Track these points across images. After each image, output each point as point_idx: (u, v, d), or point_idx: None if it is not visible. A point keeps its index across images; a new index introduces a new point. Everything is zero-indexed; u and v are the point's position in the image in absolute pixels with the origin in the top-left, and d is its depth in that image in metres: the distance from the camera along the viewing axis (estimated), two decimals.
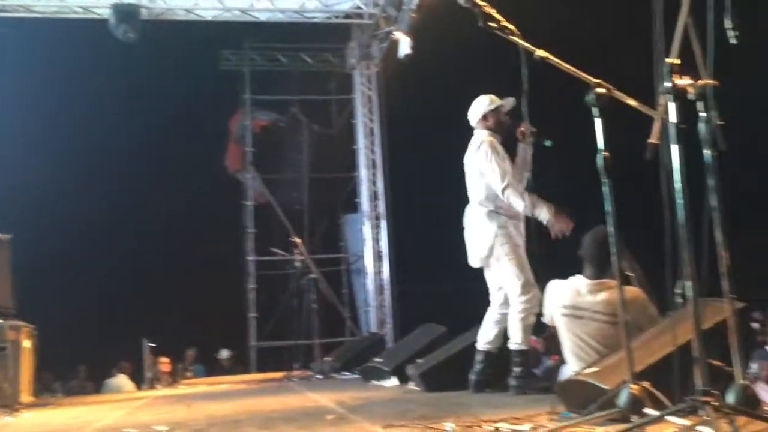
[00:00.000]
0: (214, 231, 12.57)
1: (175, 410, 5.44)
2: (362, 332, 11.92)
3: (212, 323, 12.05)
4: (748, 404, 2.34)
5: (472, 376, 4.87)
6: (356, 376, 7.45)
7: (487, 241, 4.72)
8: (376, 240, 11.94)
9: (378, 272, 11.85)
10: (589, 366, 3.47)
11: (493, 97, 4.93)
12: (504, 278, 4.74)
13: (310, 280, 8.97)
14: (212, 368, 11.84)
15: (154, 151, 12.29)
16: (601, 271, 4.06)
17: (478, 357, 4.89)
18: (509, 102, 4.87)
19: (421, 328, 7.05)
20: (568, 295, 4.14)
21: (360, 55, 12.16)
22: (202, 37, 11.49)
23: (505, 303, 4.79)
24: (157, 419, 4.66)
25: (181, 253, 12.09)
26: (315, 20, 11.37)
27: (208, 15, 10.78)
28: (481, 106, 4.92)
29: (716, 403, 2.26)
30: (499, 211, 4.72)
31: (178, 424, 4.24)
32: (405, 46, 9.71)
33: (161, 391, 8.81)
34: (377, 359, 6.90)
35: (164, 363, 10.76)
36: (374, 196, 12.05)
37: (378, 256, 11.90)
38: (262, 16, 11.10)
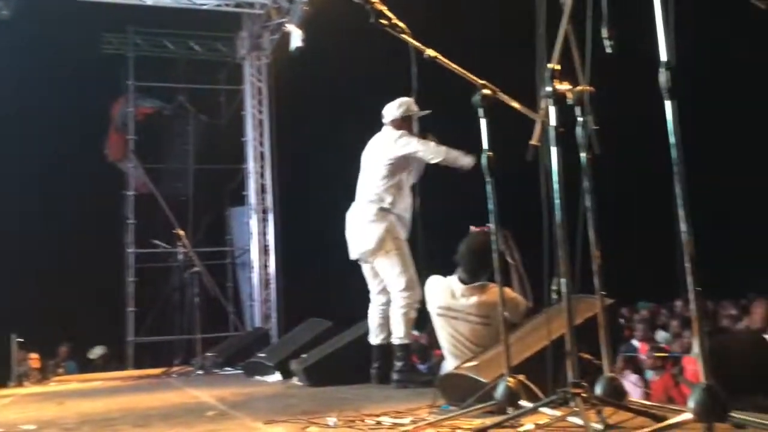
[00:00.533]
0: (92, 221, 12.03)
1: (44, 408, 5.18)
2: (246, 327, 11.77)
3: (88, 318, 11.55)
4: (615, 395, 2.46)
5: (372, 371, 4.92)
6: (239, 371, 7.34)
7: (376, 235, 4.76)
8: (263, 233, 11.80)
9: (264, 266, 11.72)
10: (468, 361, 3.56)
11: (412, 102, 4.94)
12: (389, 273, 4.79)
13: (193, 274, 8.75)
14: (85, 365, 11.36)
15: (29, 137, 11.63)
16: (474, 275, 4.26)
17: (374, 352, 4.94)
18: (424, 112, 4.96)
19: (307, 322, 7.03)
20: (443, 296, 4.29)
21: (250, 45, 11.98)
22: (84, 19, 10.97)
23: (386, 297, 4.87)
24: (25, 417, 4.43)
25: (57, 243, 11.52)
26: (204, 7, 11.09)
27: None
28: (403, 108, 4.93)
29: (585, 395, 2.37)
30: (391, 209, 4.78)
31: (47, 423, 4.04)
32: (296, 38, 9.61)
33: (30, 388, 8.36)
34: (261, 354, 6.83)
35: (34, 359, 10.21)
36: (262, 189, 11.91)
37: (264, 250, 11.77)
38: (148, 0, 10.72)
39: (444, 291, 4.31)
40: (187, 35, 12.89)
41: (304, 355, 5.70)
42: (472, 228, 4.43)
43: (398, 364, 4.70)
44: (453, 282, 4.32)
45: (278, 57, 11.67)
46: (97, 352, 11.41)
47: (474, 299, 4.21)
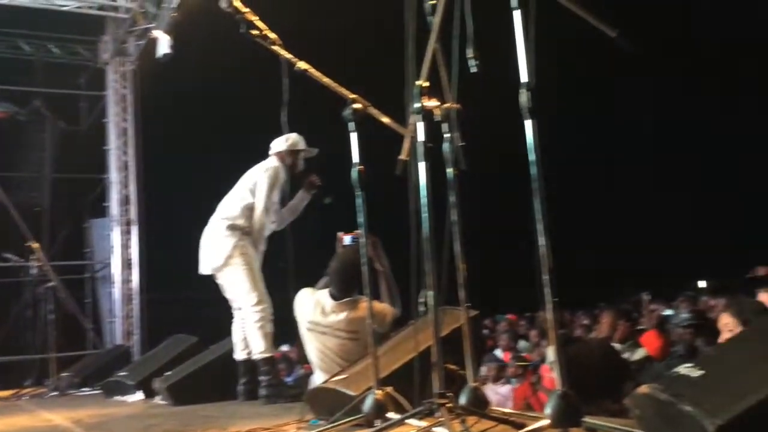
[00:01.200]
0: None
1: None
2: (106, 345, 11.23)
3: None
4: (478, 405, 2.53)
5: (239, 387, 4.84)
6: (98, 391, 6.98)
7: (224, 251, 4.77)
8: (125, 247, 11.31)
9: (126, 281, 11.23)
10: (336, 374, 3.56)
11: (301, 139, 4.99)
12: (238, 289, 4.78)
13: (47, 289, 8.25)
14: None
15: None
16: (344, 291, 4.28)
17: (240, 368, 4.87)
18: (312, 152, 5.03)
19: (171, 339, 6.82)
20: (312, 311, 4.29)
21: (114, 50, 11.50)
22: None
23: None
24: None
25: None
26: (65, 9, 10.55)
27: None
28: (289, 142, 4.96)
29: (450, 405, 2.42)
30: (244, 228, 4.80)
31: None
32: (164, 45, 9.33)
33: None
34: (121, 373, 6.53)
35: None
36: (125, 201, 11.42)
37: (127, 264, 11.28)
38: None
39: (314, 306, 4.31)
40: (46, 37, 12.22)
41: (167, 373, 5.52)
42: (340, 234, 4.45)
43: (264, 378, 4.65)
44: (323, 297, 4.32)
45: (144, 63, 11.29)
46: None
47: (343, 315, 4.23)
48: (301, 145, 5.00)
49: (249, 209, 4.82)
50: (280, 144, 4.98)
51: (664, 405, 1.89)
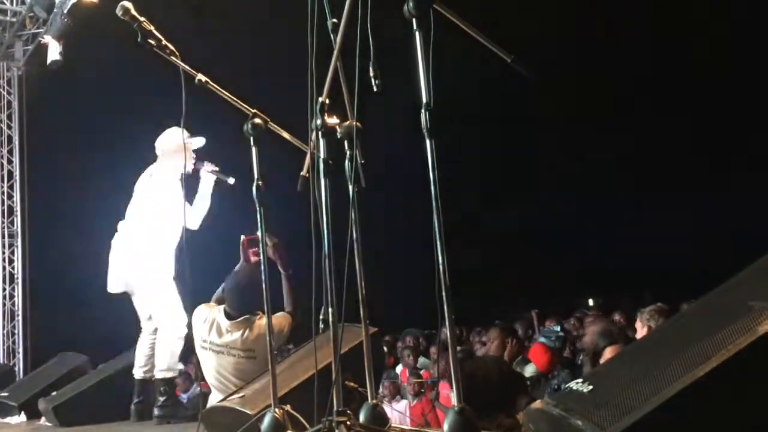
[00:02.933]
0: None
1: None
2: None
3: None
4: (377, 422, 2.54)
5: (133, 406, 4.72)
6: None
7: (143, 267, 4.69)
8: (8, 261, 10.75)
9: (9, 297, 10.67)
10: (234, 393, 3.50)
11: (185, 132, 4.69)
12: (157, 305, 4.71)
13: None
14: None
15: None
16: (240, 311, 4.19)
17: (137, 386, 4.78)
18: (199, 141, 4.88)
19: (59, 357, 6.53)
20: (207, 329, 4.20)
21: None
22: None
23: (154, 327, 4.77)
24: None
25: None
26: None
27: None
28: (174, 139, 4.78)
29: (349, 423, 2.42)
30: (160, 240, 4.69)
31: None
32: (54, 51, 9.02)
33: None
34: (3, 393, 6.20)
35: None
36: (9, 212, 10.87)
37: (10, 279, 10.72)
38: None
39: (209, 324, 4.22)
40: None
41: (54, 393, 5.28)
42: (243, 238, 4.37)
43: (161, 398, 4.53)
44: (219, 316, 4.24)
45: (32, 69, 10.82)
46: None
47: (238, 335, 4.15)
48: (187, 138, 4.78)
49: (162, 219, 4.67)
50: (167, 145, 4.86)
51: (556, 419, 1.96)
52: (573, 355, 6.86)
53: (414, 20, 2.26)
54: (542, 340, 6.67)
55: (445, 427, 2.02)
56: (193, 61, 3.14)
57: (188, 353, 4.96)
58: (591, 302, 12.26)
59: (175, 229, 4.65)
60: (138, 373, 4.79)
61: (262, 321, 4.08)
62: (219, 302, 4.37)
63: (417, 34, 2.31)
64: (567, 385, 2.11)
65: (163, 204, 4.66)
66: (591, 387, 2.00)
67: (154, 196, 4.74)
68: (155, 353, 4.69)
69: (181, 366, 5.01)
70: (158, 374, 4.62)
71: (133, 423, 4.61)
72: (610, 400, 1.85)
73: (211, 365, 4.19)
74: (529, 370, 5.75)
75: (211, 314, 4.26)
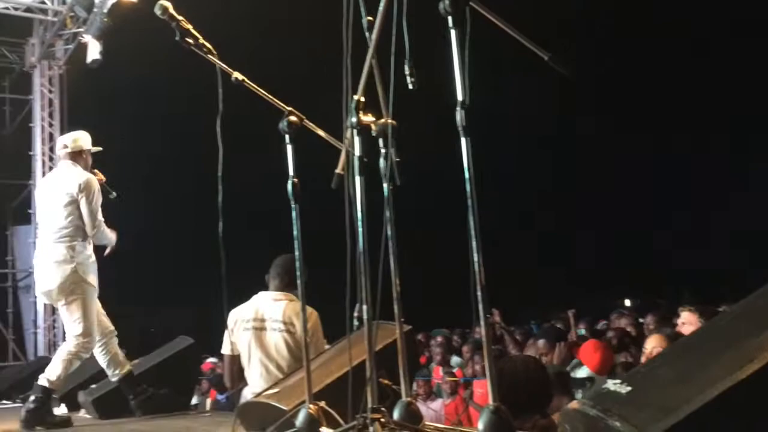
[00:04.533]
0: None
1: None
2: (28, 357, 10.86)
3: None
4: (411, 420, 2.54)
5: (24, 412, 4.66)
6: (19, 404, 6.73)
7: (60, 277, 4.69)
8: None
9: None
10: (269, 388, 3.52)
11: (87, 136, 5.07)
12: (68, 317, 4.75)
13: None
14: None
15: None
16: (284, 286, 4.30)
17: (36, 390, 4.67)
18: (96, 150, 5.14)
19: None
20: (251, 311, 4.25)
21: (41, 53, 11.19)
22: None
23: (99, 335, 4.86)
24: None
25: None
26: None
27: None
28: (85, 142, 5.01)
29: (383, 420, 2.42)
30: (83, 248, 4.77)
31: None
32: (94, 51, 9.16)
33: None
34: None
35: None
36: None
37: None
38: None
39: (251, 307, 4.30)
40: None
41: (93, 386, 5.38)
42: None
43: (32, 405, 4.57)
44: (259, 296, 4.32)
45: (73, 68, 11.01)
46: None
47: (281, 305, 4.23)
48: (87, 144, 5.03)
49: (81, 227, 4.75)
50: (76, 146, 4.98)
51: (593, 420, 1.93)
52: None
53: (450, 18, 2.25)
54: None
55: (480, 425, 2.01)
56: (229, 60, 3.17)
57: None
58: (628, 303, 12.14)
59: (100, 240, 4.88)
60: (42, 378, 4.72)
61: (298, 305, 4.12)
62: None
63: (453, 31, 2.30)
64: (604, 386, 2.09)
65: (90, 214, 4.81)
66: (629, 388, 1.97)
67: (63, 202, 4.79)
68: (54, 360, 4.74)
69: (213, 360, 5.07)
70: (43, 381, 4.63)
71: (170, 416, 4.66)
72: (650, 401, 1.83)
73: (256, 345, 4.21)
74: (582, 373, 5.57)
75: (249, 301, 4.32)
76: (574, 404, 2.13)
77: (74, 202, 4.73)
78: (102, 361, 4.98)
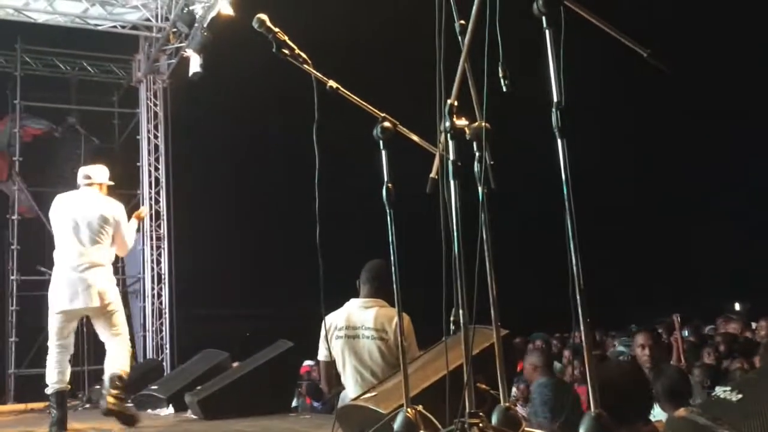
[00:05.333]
0: None
1: None
2: (138, 358, 11.34)
3: None
4: (510, 425, 2.51)
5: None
6: (129, 404, 7.04)
7: (111, 289, 5.34)
8: (156, 261, 11.44)
9: (157, 295, 11.35)
10: (367, 392, 3.55)
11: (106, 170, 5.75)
12: (116, 324, 5.31)
13: None
14: None
15: None
16: (374, 292, 4.29)
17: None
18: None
19: (202, 353, 6.88)
20: (342, 318, 4.28)
21: (147, 68, 11.71)
22: None
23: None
24: None
25: None
26: (99, 28, 10.77)
27: None
28: (107, 175, 5.71)
29: (482, 425, 2.40)
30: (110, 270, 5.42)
31: None
32: (195, 64, 9.52)
33: None
34: (153, 387, 6.60)
35: None
36: (156, 216, 11.57)
37: (158, 279, 11.41)
38: (40, 18, 10.31)
39: (343, 314, 4.33)
40: (80, 55, 12.50)
41: (198, 387, 5.56)
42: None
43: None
44: (350, 303, 4.34)
45: (176, 81, 11.47)
46: None
47: (372, 312, 4.22)
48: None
49: (111, 249, 5.42)
50: (103, 176, 5.66)
51: (701, 429, 1.86)
52: (717, 361, 6.50)
53: (543, 18, 2.22)
54: (621, 349, 6.43)
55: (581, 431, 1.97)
56: (324, 69, 3.23)
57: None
58: (738, 307, 11.59)
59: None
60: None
61: (389, 310, 4.15)
62: None
63: (547, 32, 2.27)
64: (714, 393, 2.00)
65: (129, 239, 5.68)
66: (740, 396, 1.89)
67: (124, 227, 5.58)
68: (114, 355, 5.27)
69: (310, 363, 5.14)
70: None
71: (271, 418, 4.77)
72: (761, 410, 1.74)
73: (348, 353, 4.23)
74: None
75: (342, 309, 4.36)
76: (681, 412, 2.05)
77: (107, 227, 5.43)
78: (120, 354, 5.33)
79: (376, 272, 4.28)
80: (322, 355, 4.38)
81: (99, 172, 5.62)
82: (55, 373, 5.17)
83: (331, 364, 4.36)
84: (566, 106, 2.22)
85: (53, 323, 5.25)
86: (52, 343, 5.24)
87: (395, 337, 4.08)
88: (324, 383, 4.53)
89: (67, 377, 5.26)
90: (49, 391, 5.18)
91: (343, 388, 4.33)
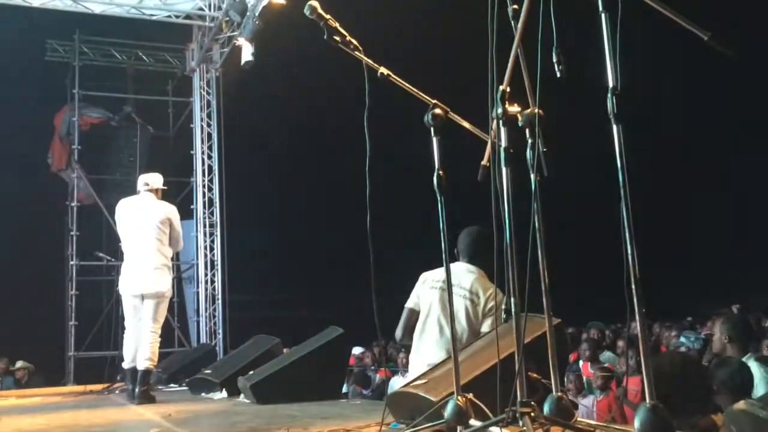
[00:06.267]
0: (34, 232, 11.73)
1: None
2: (192, 343, 11.57)
3: (27, 331, 11.21)
4: (562, 415, 2.49)
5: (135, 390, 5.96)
6: (184, 388, 7.20)
7: (165, 282, 6.17)
8: (209, 248, 11.64)
9: (210, 281, 11.55)
10: (417, 379, 3.56)
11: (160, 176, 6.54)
12: (158, 313, 6.13)
13: None
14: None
15: None
16: (473, 259, 4.39)
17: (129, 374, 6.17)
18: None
19: (254, 339, 6.96)
20: (440, 274, 4.33)
21: (200, 57, 11.87)
22: (29, 25, 10.74)
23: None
24: None
25: None
26: (154, 18, 10.96)
27: (35, 1, 10.07)
28: (161, 181, 6.47)
29: (534, 414, 2.39)
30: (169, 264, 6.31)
31: None
32: (247, 53, 9.60)
33: None
34: (206, 371, 6.72)
35: None
36: (209, 203, 11.76)
37: (211, 265, 11.61)
38: (97, 9, 10.54)
39: (443, 271, 4.37)
40: (136, 45, 12.75)
41: (251, 372, 5.64)
42: None
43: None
44: (454, 265, 4.39)
45: (228, 70, 11.60)
46: (17, 365, 10.99)
47: (472, 276, 4.30)
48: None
49: (165, 246, 6.24)
50: (157, 184, 6.41)
51: (762, 423, 1.81)
52: None
53: (600, 1, 2.18)
54: (682, 340, 6.25)
55: (637, 423, 1.93)
56: (375, 56, 3.22)
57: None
58: None
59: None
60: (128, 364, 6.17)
61: (488, 282, 4.25)
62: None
63: (603, 16, 2.22)
64: None
65: (179, 239, 6.45)
66: None
67: (158, 223, 6.22)
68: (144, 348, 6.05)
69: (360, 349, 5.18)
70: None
71: (322, 403, 4.81)
72: None
73: (436, 304, 4.31)
74: None
75: (441, 269, 4.40)
76: (740, 405, 2.01)
77: (164, 227, 6.22)
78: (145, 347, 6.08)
79: (474, 240, 4.38)
80: (410, 303, 4.46)
81: (155, 179, 6.44)
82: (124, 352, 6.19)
83: (414, 313, 4.42)
84: (622, 90, 2.17)
85: (124, 306, 6.23)
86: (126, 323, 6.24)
87: (484, 305, 4.21)
88: (400, 328, 4.58)
89: (131, 356, 6.10)
90: (124, 366, 6.23)
91: (410, 344, 4.38)
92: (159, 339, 6.15)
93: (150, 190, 6.36)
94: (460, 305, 4.23)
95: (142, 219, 6.20)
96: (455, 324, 4.17)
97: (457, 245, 4.49)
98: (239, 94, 11.94)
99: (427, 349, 4.24)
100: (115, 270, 9.60)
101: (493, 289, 4.24)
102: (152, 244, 6.13)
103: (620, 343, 8.34)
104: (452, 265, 4.36)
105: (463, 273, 4.34)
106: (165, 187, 6.56)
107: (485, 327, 4.17)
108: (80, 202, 11.98)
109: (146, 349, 6.00)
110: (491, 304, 4.24)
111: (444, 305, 4.26)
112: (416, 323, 4.40)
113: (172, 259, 6.52)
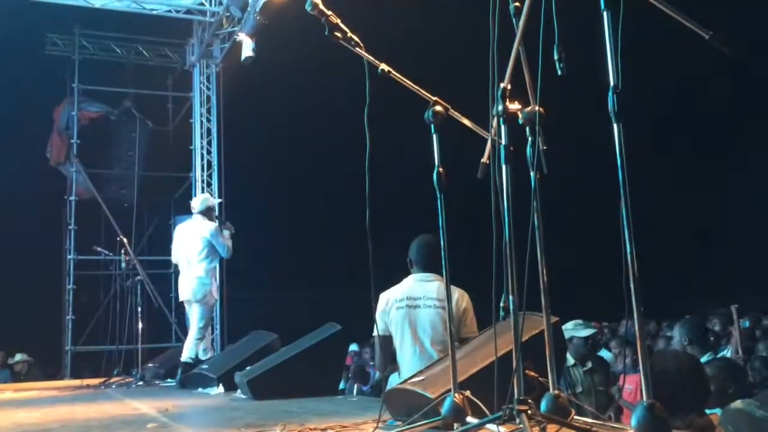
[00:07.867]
0: (32, 226, 11.71)
1: None
2: None
3: (24, 325, 11.21)
4: (559, 413, 2.49)
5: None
6: (172, 383, 7.22)
7: (205, 288, 7.55)
8: None
9: None
10: (414, 376, 3.56)
11: (210, 195, 8.17)
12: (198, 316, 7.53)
13: (135, 282, 8.58)
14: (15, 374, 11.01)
15: None
16: (428, 267, 4.35)
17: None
18: (218, 201, 8.31)
19: (251, 334, 6.96)
20: (400, 292, 4.31)
21: (200, 52, 11.86)
22: (28, 18, 10.71)
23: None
24: None
25: None
26: (154, 12, 10.94)
27: None
28: (205, 202, 7.81)
29: (531, 412, 2.39)
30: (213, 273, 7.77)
31: None
32: (248, 48, 9.59)
33: None
34: (203, 366, 6.73)
35: None
36: None
37: None
38: (97, 3, 10.52)
39: (400, 289, 4.37)
40: (136, 40, 12.73)
41: (248, 368, 5.64)
42: None
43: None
44: (407, 279, 4.38)
45: (228, 66, 11.59)
46: (16, 358, 10.99)
47: (433, 285, 4.28)
48: (212, 201, 8.05)
49: (206, 258, 7.64)
50: (205, 205, 7.74)
51: (759, 422, 1.82)
52: None
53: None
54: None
55: (633, 422, 1.94)
56: (376, 52, 3.21)
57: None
58: None
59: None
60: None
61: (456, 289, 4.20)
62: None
63: (605, 14, 2.22)
64: None
65: (207, 247, 7.68)
66: None
67: (201, 240, 7.68)
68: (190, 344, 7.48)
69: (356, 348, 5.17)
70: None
71: (319, 399, 4.81)
72: None
73: (408, 323, 4.26)
74: None
75: (398, 285, 4.39)
76: (737, 404, 2.01)
77: (206, 243, 7.61)
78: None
79: (428, 248, 4.33)
80: (379, 329, 4.32)
81: (197, 203, 7.80)
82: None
83: (388, 339, 4.35)
84: (622, 89, 2.17)
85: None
86: None
87: (457, 309, 4.19)
88: (379, 361, 4.53)
89: (188, 351, 7.42)
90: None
91: (397, 368, 4.34)
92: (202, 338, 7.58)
93: (197, 213, 7.69)
94: (434, 315, 4.21)
95: (186, 239, 7.77)
96: (434, 335, 4.18)
97: (410, 256, 4.46)
98: (239, 90, 11.92)
99: (409, 365, 4.22)
100: (113, 264, 9.59)
101: (458, 292, 4.25)
102: (192, 259, 7.60)
103: (614, 343, 8.35)
104: (410, 279, 4.39)
105: (422, 285, 4.32)
106: (212, 203, 7.94)
107: (464, 330, 4.16)
108: (79, 196, 11.97)
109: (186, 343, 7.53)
110: (464, 305, 4.24)
111: (417, 322, 4.25)
112: (392, 349, 4.35)
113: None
